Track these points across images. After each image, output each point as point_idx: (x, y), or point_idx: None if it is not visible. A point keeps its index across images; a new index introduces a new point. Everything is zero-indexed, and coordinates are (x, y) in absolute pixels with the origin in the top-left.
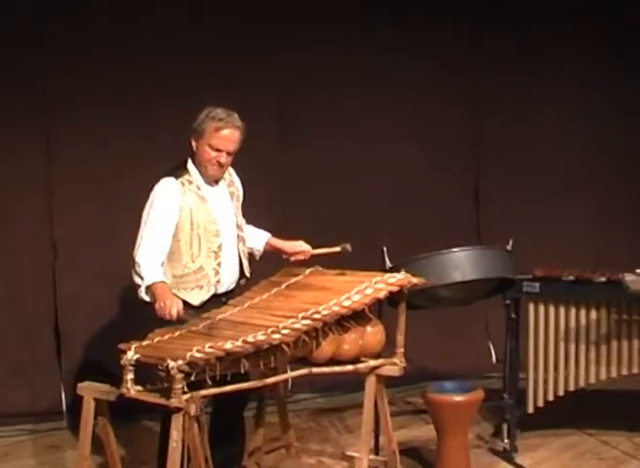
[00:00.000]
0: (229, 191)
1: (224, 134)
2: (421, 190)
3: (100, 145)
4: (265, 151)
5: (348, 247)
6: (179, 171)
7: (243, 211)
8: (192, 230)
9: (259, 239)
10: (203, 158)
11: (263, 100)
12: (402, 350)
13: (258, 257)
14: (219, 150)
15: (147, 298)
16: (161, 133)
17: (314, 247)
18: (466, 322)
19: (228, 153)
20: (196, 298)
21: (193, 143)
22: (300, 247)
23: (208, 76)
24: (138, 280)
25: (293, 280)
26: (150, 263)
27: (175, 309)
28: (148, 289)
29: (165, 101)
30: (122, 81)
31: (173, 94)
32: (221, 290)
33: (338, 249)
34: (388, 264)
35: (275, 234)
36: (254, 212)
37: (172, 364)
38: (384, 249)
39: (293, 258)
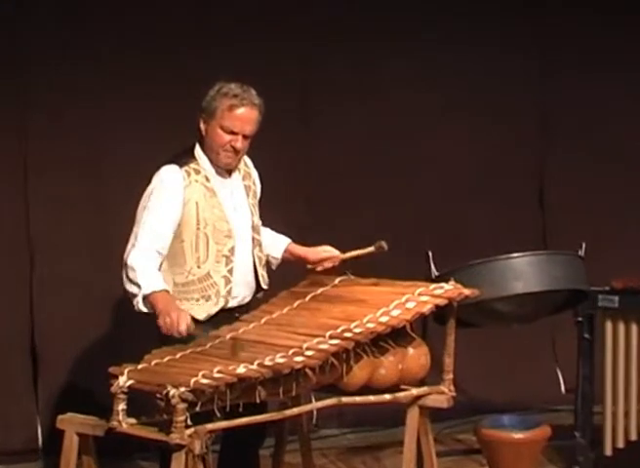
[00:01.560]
0: (245, 185)
1: (240, 113)
2: (475, 184)
3: (84, 138)
4: (285, 137)
5: (384, 245)
6: (184, 157)
7: (259, 211)
8: (198, 229)
9: (276, 245)
10: (214, 142)
11: (282, 73)
12: (451, 376)
13: (274, 267)
14: (233, 133)
15: (145, 309)
16: (157, 118)
17: (343, 252)
18: (529, 343)
19: (244, 136)
20: (202, 312)
21: (202, 126)
22: (325, 253)
23: (216, 47)
24: (132, 288)
25: (319, 291)
26: (148, 267)
27: (184, 324)
28: (146, 299)
29: (163, 78)
30: (106, 54)
31: (172, 68)
32: (233, 303)
33: (371, 249)
34: (435, 272)
35: (296, 241)
36: (270, 212)
37: (173, 391)
38: (430, 253)
39: (319, 268)
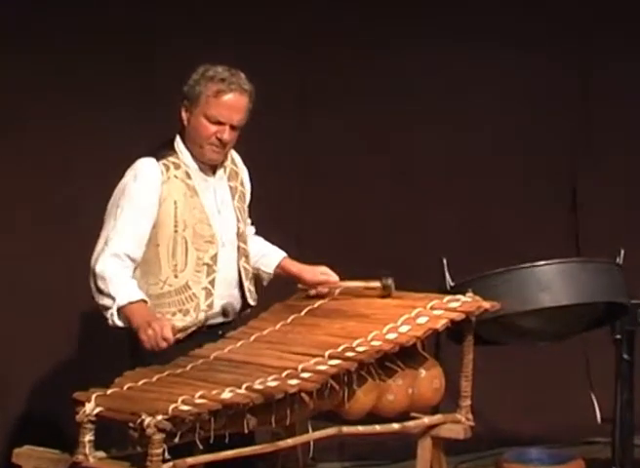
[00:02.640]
0: (230, 186)
1: (227, 99)
2: (497, 182)
3: (46, 129)
4: (279, 129)
5: (390, 282)
6: (162, 150)
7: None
8: (176, 232)
9: (269, 259)
10: (198, 134)
11: (278, 56)
12: (469, 402)
13: (266, 282)
14: (219, 123)
15: (121, 324)
16: (130, 106)
17: (343, 277)
18: (559, 364)
19: (232, 127)
20: None
21: (184, 114)
22: (323, 276)
23: (204, 25)
24: (105, 300)
25: (316, 304)
26: (120, 275)
27: (168, 332)
28: (121, 311)
29: (139, 59)
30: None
31: (151, 50)
32: (215, 320)
33: (376, 284)
34: (450, 282)
35: (289, 247)
36: (261, 219)
37: (148, 420)
38: (444, 261)
39: (312, 292)
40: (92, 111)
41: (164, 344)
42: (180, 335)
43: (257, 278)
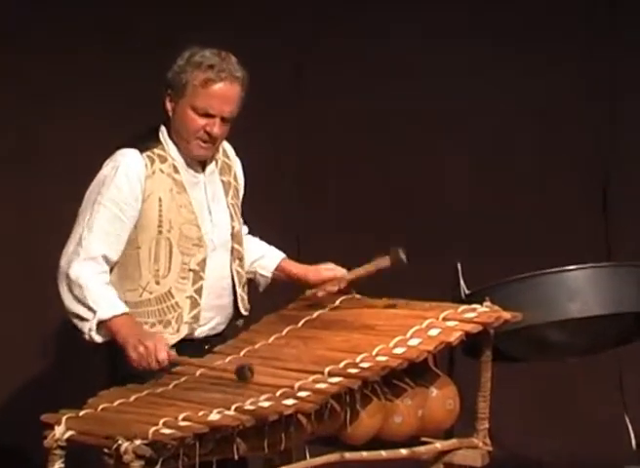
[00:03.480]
0: (223, 180)
1: (217, 89)
2: (520, 179)
3: (7, 120)
4: (275, 119)
5: (402, 255)
6: (146, 140)
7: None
8: (160, 233)
9: (267, 260)
10: (184, 127)
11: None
12: (486, 425)
13: (262, 288)
14: (208, 115)
15: (99, 339)
16: (111, 93)
17: (349, 269)
18: (588, 382)
19: (223, 119)
20: None
21: (168, 104)
22: (328, 271)
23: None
24: (81, 311)
25: (315, 314)
26: (99, 283)
27: (163, 353)
28: (103, 325)
29: (115, 42)
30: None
31: (128, 32)
32: (201, 332)
33: (385, 262)
34: (465, 290)
35: (289, 248)
36: (261, 219)
37: (125, 445)
38: (459, 265)
39: (320, 293)
40: (61, 103)
41: (157, 367)
42: (174, 358)
43: (250, 283)
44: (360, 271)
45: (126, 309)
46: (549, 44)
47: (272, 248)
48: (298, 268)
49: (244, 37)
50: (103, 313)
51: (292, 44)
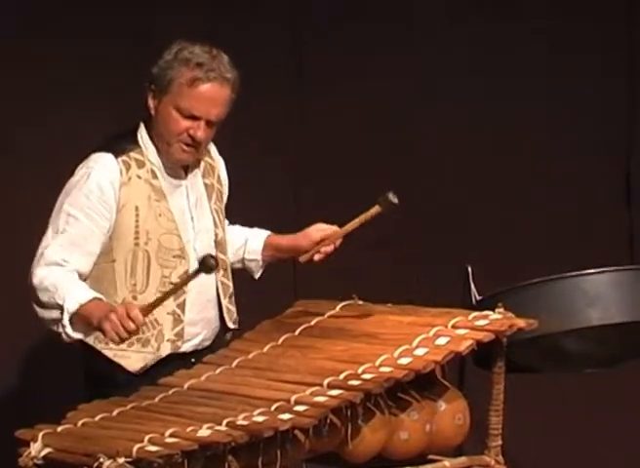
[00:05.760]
0: (206, 183)
1: (204, 90)
2: (535, 176)
3: None
4: (270, 118)
5: (392, 198)
6: (122, 142)
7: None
8: (137, 245)
9: (251, 242)
10: (166, 128)
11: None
12: (499, 442)
13: (256, 275)
14: (193, 117)
15: (77, 335)
16: (87, 87)
17: (341, 225)
18: (612, 397)
19: (209, 122)
20: (137, 361)
21: (150, 101)
22: (320, 232)
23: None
24: (52, 314)
25: (313, 321)
26: (63, 279)
27: (135, 310)
28: (74, 318)
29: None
30: None
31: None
32: (185, 348)
33: (377, 208)
34: (476, 295)
35: None
36: (261, 219)
37: (107, 463)
38: (469, 269)
39: (317, 257)
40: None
41: (132, 326)
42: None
43: (235, 271)
44: (353, 224)
45: (95, 294)
46: (575, 32)
47: (255, 229)
48: (286, 239)
49: (242, 29)
50: (70, 305)
51: (291, 42)
